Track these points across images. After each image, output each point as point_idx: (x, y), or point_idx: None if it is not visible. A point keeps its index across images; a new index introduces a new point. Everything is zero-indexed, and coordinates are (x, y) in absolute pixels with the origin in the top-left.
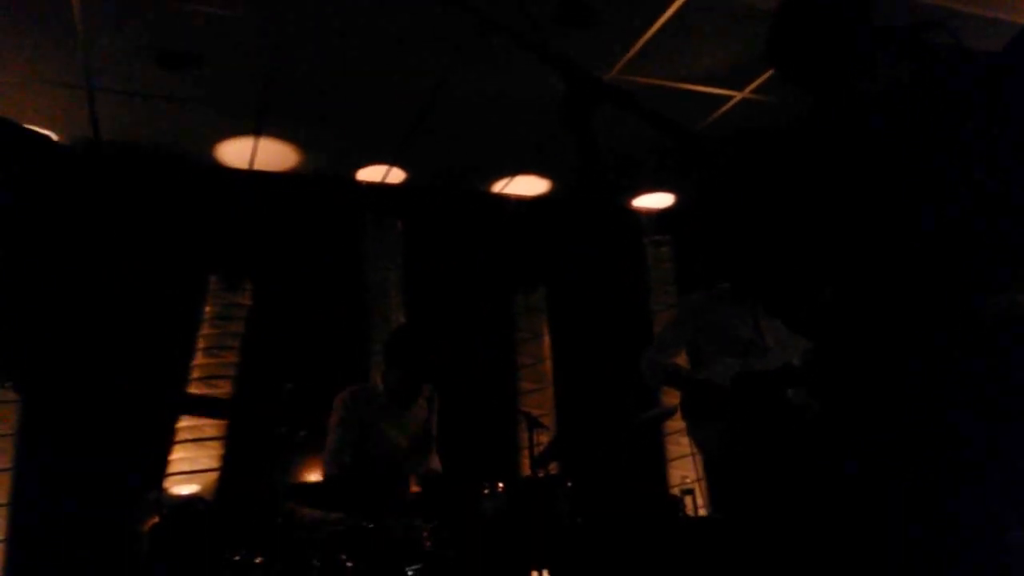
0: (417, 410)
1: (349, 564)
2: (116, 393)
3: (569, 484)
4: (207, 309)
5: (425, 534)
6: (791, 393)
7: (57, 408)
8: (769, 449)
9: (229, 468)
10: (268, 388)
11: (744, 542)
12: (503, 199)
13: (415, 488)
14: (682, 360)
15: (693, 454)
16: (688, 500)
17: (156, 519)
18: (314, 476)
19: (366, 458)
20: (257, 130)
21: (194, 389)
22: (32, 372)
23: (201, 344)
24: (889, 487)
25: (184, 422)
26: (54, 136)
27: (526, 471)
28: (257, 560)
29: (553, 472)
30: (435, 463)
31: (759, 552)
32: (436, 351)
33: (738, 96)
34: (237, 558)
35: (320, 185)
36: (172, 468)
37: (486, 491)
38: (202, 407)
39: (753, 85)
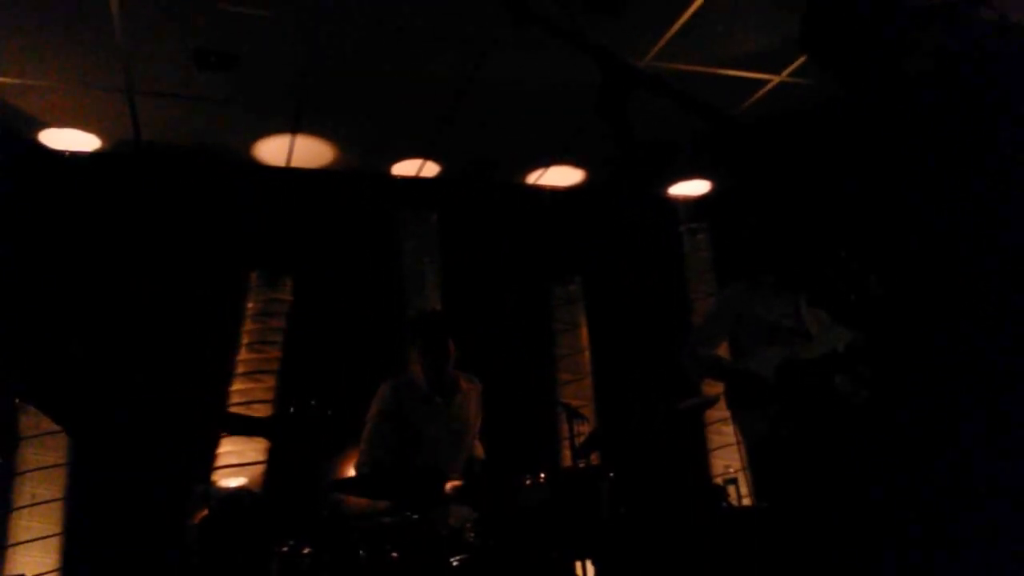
0: (461, 401)
1: (395, 555)
2: (164, 390)
3: (611, 474)
4: (249, 305)
5: (469, 525)
6: (838, 380)
7: (106, 405)
8: (816, 437)
9: (275, 460)
10: (311, 385)
11: (789, 531)
12: (538, 190)
13: (458, 480)
14: (723, 351)
15: (736, 443)
16: (731, 490)
17: (204, 512)
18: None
19: (407, 450)
20: (294, 128)
21: (239, 384)
22: (79, 371)
23: (245, 340)
24: (934, 475)
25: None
26: (97, 140)
27: (567, 462)
28: (304, 551)
29: (594, 462)
30: (478, 451)
31: (803, 541)
32: (453, 334)
33: (775, 80)
34: (285, 549)
35: (356, 180)
36: (220, 461)
37: (528, 482)
38: (243, 423)
39: (790, 68)
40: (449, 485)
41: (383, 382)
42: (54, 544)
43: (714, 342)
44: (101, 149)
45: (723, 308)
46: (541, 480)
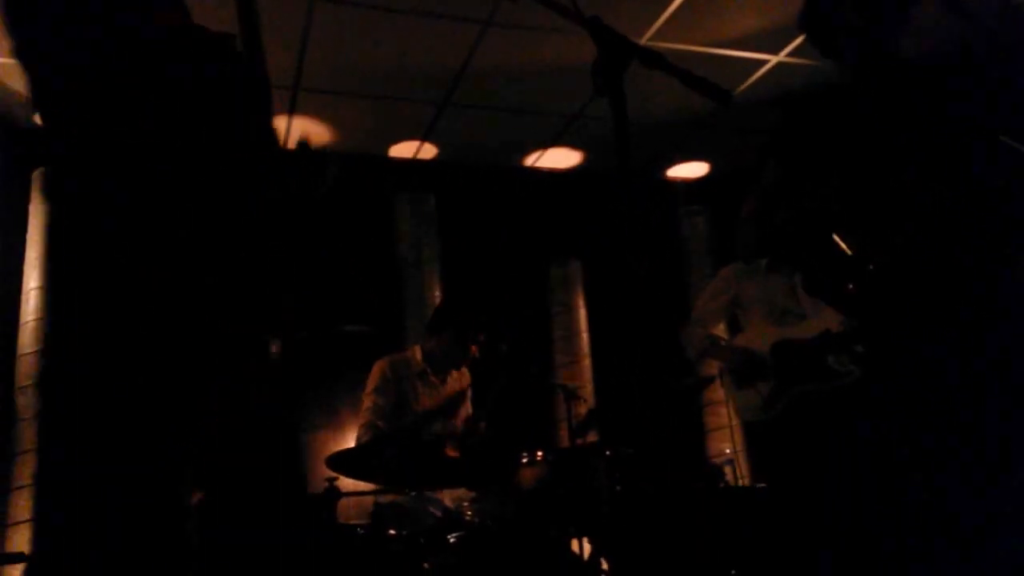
0: (452, 383)
1: (391, 532)
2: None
3: (608, 453)
4: None
5: (466, 504)
6: (831, 359)
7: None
8: (810, 414)
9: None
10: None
11: (785, 508)
12: (536, 172)
13: (454, 453)
14: (721, 332)
15: (732, 426)
16: (728, 470)
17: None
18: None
19: (403, 425)
20: (291, 109)
21: None
22: None
23: None
24: (928, 452)
25: None
26: None
27: (564, 444)
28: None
29: (592, 441)
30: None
31: (799, 519)
32: (482, 316)
33: (774, 60)
34: None
35: (353, 162)
36: None
37: (525, 460)
38: None
39: (789, 48)
40: (449, 452)
41: (378, 360)
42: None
43: (712, 322)
44: None
45: (719, 289)
46: (538, 458)
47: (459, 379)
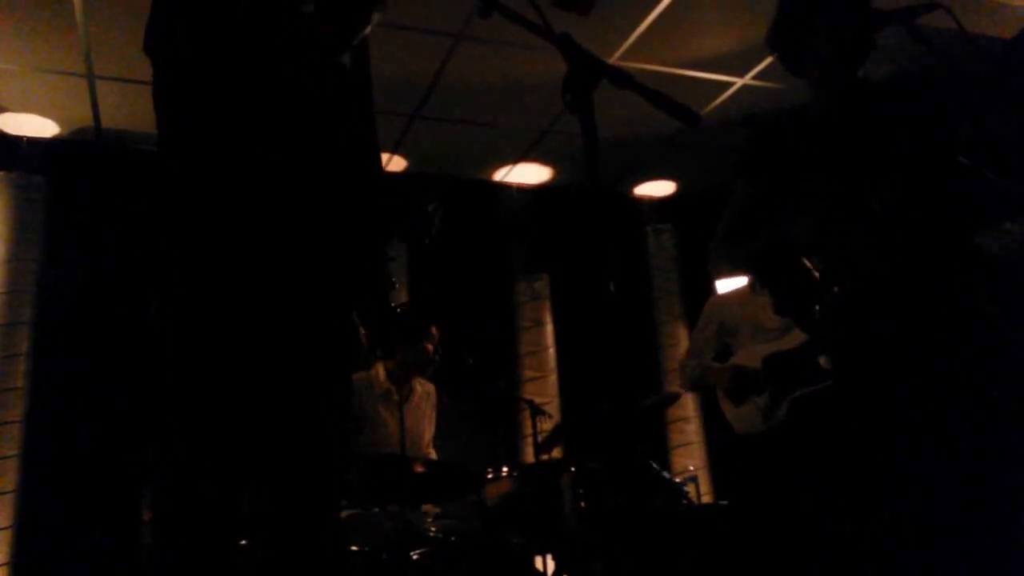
0: (417, 401)
1: (354, 548)
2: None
3: (573, 469)
4: None
5: (430, 520)
6: (823, 360)
7: None
8: (813, 417)
9: None
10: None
11: (780, 525)
12: (505, 187)
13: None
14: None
15: (695, 442)
16: (691, 488)
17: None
18: None
19: (365, 443)
20: None
21: None
22: None
23: None
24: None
25: None
26: (55, 126)
27: (529, 459)
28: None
29: (557, 457)
30: (432, 454)
31: (796, 535)
32: (435, 324)
33: (739, 82)
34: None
35: None
36: None
37: (490, 475)
38: None
39: (755, 71)
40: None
41: None
42: (4, 537)
43: (705, 353)
44: (59, 135)
45: (704, 322)
46: (503, 474)
47: (420, 402)
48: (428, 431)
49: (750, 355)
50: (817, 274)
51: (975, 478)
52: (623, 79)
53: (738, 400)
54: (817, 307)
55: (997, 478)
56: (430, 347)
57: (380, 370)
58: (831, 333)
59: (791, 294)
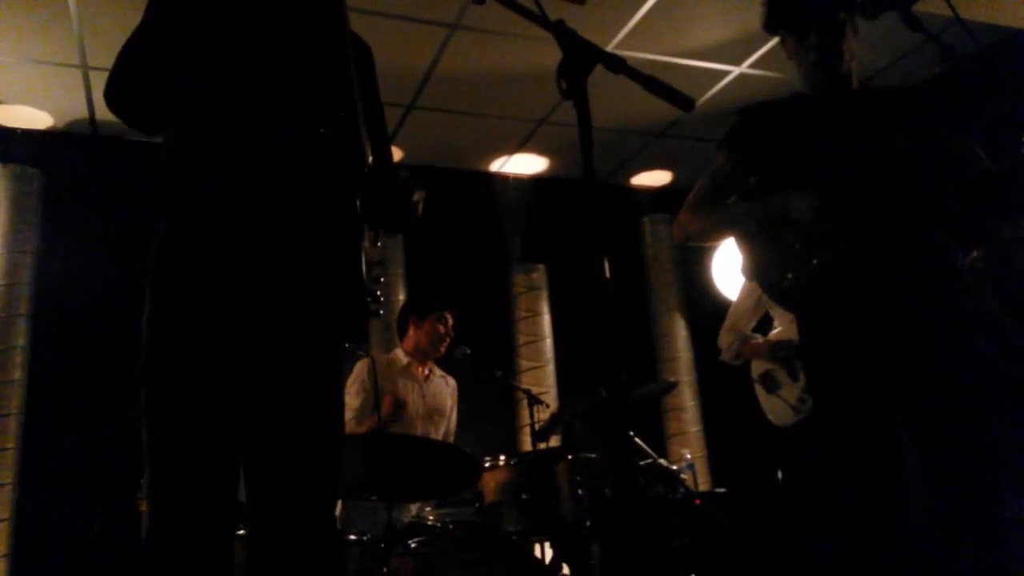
0: (438, 384)
1: (352, 537)
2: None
3: (570, 458)
4: None
5: (428, 509)
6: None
7: None
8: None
9: None
10: None
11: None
12: (502, 177)
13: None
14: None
15: (693, 432)
16: (688, 476)
17: None
18: None
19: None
20: None
21: None
22: None
23: None
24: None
25: None
26: (50, 118)
27: (527, 448)
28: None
29: (554, 446)
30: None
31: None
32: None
33: (736, 71)
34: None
35: None
36: None
37: (488, 464)
38: None
39: (751, 59)
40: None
41: (361, 359)
42: (2, 529)
43: (743, 323)
44: (54, 127)
45: (747, 291)
46: (501, 463)
47: (439, 388)
48: (449, 417)
49: (789, 328)
50: (798, 245)
51: (941, 465)
52: (617, 64)
53: (769, 387)
54: (790, 275)
55: (964, 463)
56: (441, 328)
57: (399, 353)
58: (801, 303)
59: (771, 260)
